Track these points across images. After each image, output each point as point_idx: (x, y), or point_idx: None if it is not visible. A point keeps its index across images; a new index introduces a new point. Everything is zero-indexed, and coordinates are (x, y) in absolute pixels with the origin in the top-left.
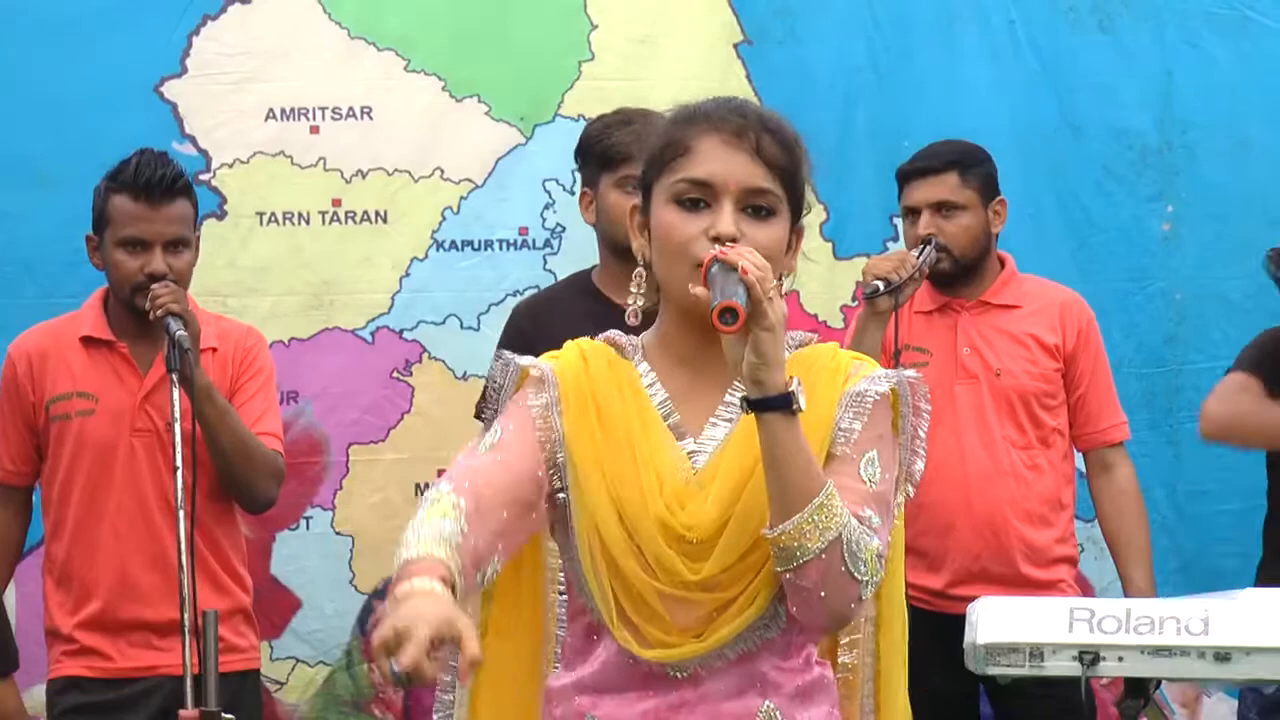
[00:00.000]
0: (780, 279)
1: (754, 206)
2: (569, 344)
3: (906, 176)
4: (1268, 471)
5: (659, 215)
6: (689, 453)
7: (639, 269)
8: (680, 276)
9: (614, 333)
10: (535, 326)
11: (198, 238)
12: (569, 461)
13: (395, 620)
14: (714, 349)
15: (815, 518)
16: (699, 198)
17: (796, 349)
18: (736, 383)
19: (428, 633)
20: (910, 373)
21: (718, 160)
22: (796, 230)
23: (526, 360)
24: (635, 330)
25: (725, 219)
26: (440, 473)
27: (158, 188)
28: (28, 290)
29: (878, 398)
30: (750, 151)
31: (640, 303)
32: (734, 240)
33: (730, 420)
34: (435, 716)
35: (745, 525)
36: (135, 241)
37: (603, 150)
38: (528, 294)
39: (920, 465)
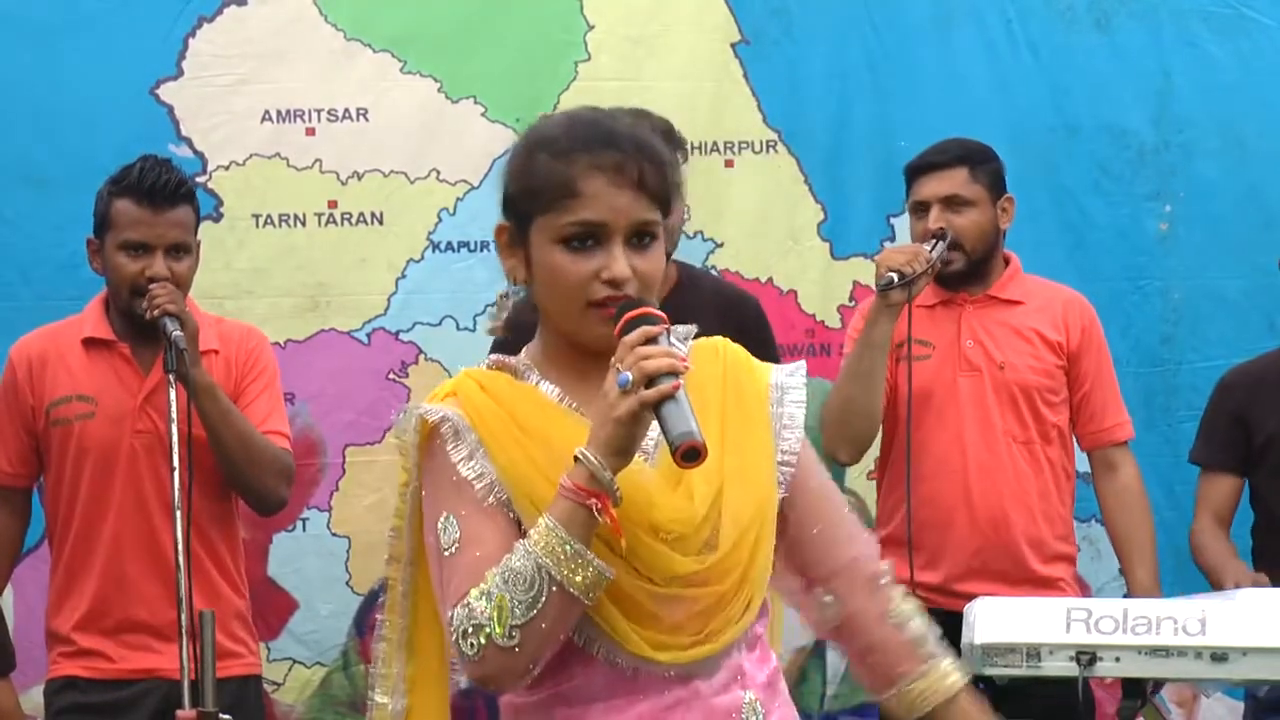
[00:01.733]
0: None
1: (639, 235)
2: (460, 376)
3: (915, 171)
4: (1248, 478)
5: (545, 255)
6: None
7: (503, 291)
8: (572, 314)
9: (498, 357)
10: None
11: (198, 244)
12: (513, 497)
13: None
14: (604, 360)
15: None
16: (589, 236)
17: (687, 341)
18: None
19: None
20: (799, 364)
21: (606, 201)
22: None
23: (432, 413)
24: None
25: (619, 262)
26: (393, 531)
27: (161, 193)
28: (23, 294)
29: (798, 388)
30: (634, 186)
31: (500, 322)
32: (626, 280)
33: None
34: None
35: (733, 514)
36: (137, 245)
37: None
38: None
39: None
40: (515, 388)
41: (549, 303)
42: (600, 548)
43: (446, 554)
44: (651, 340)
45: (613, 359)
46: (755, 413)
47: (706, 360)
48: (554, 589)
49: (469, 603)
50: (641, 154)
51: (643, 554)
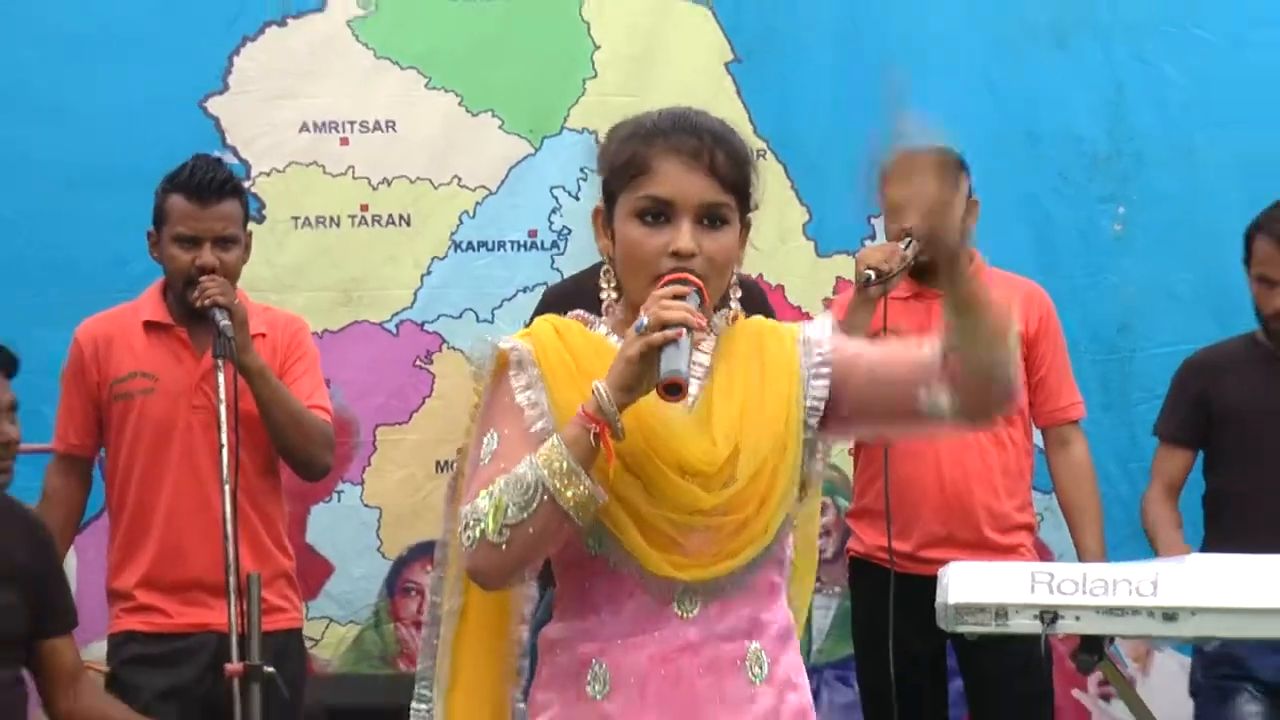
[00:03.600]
0: (733, 268)
1: (709, 217)
2: (540, 319)
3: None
4: (1204, 451)
5: (623, 227)
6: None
7: (605, 265)
8: (640, 286)
9: (580, 312)
10: (563, 308)
11: (249, 236)
12: (556, 429)
13: None
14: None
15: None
16: (660, 212)
17: (726, 322)
18: (697, 351)
19: None
20: (828, 315)
21: (677, 180)
22: (745, 226)
23: (505, 342)
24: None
25: (684, 236)
26: (459, 451)
27: (208, 188)
28: (81, 283)
29: (827, 336)
30: (705, 170)
31: (613, 295)
32: (692, 254)
33: (698, 379)
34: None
35: (752, 454)
36: (188, 238)
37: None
38: (540, 288)
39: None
40: (585, 336)
41: (624, 274)
42: (632, 487)
43: (481, 463)
44: (679, 298)
45: (641, 307)
46: (778, 368)
47: (744, 334)
48: (546, 498)
49: (475, 501)
50: (717, 143)
51: (670, 489)
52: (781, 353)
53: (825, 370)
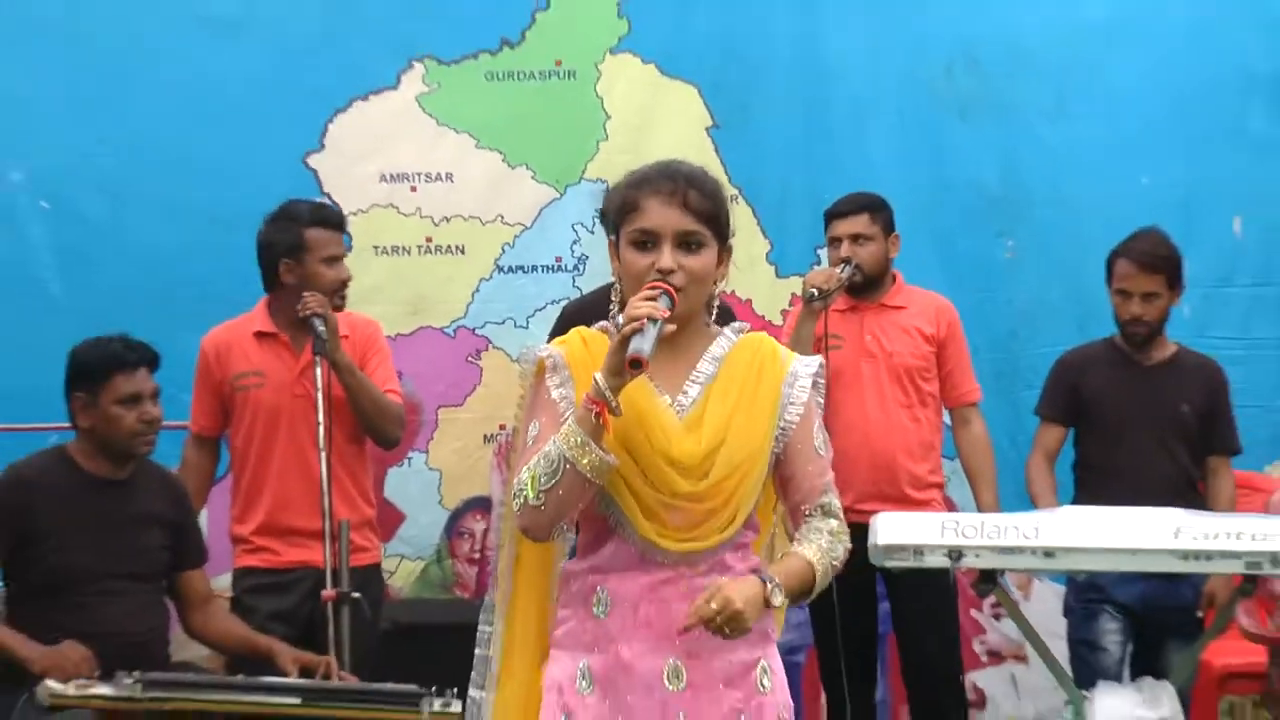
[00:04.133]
0: (715, 283)
1: (686, 242)
2: (573, 331)
3: (831, 216)
4: (1074, 428)
5: (624, 252)
6: (671, 403)
7: (616, 284)
8: (634, 296)
9: (604, 324)
10: (579, 320)
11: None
12: None
13: None
14: (671, 336)
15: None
16: (648, 240)
17: (739, 335)
18: (700, 362)
19: None
20: (818, 358)
21: (658, 214)
22: (725, 250)
23: (543, 350)
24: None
25: (665, 257)
26: (502, 427)
27: (341, 223)
28: (207, 297)
29: (812, 375)
30: (680, 205)
31: (616, 308)
32: (672, 270)
33: (701, 384)
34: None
35: (728, 458)
36: (336, 258)
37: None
38: (564, 301)
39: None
40: (605, 343)
41: (625, 288)
42: (631, 470)
43: (526, 445)
44: (650, 300)
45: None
46: (768, 390)
47: (748, 348)
48: (567, 466)
49: (520, 475)
50: (691, 184)
51: (657, 474)
52: (775, 376)
53: (793, 411)
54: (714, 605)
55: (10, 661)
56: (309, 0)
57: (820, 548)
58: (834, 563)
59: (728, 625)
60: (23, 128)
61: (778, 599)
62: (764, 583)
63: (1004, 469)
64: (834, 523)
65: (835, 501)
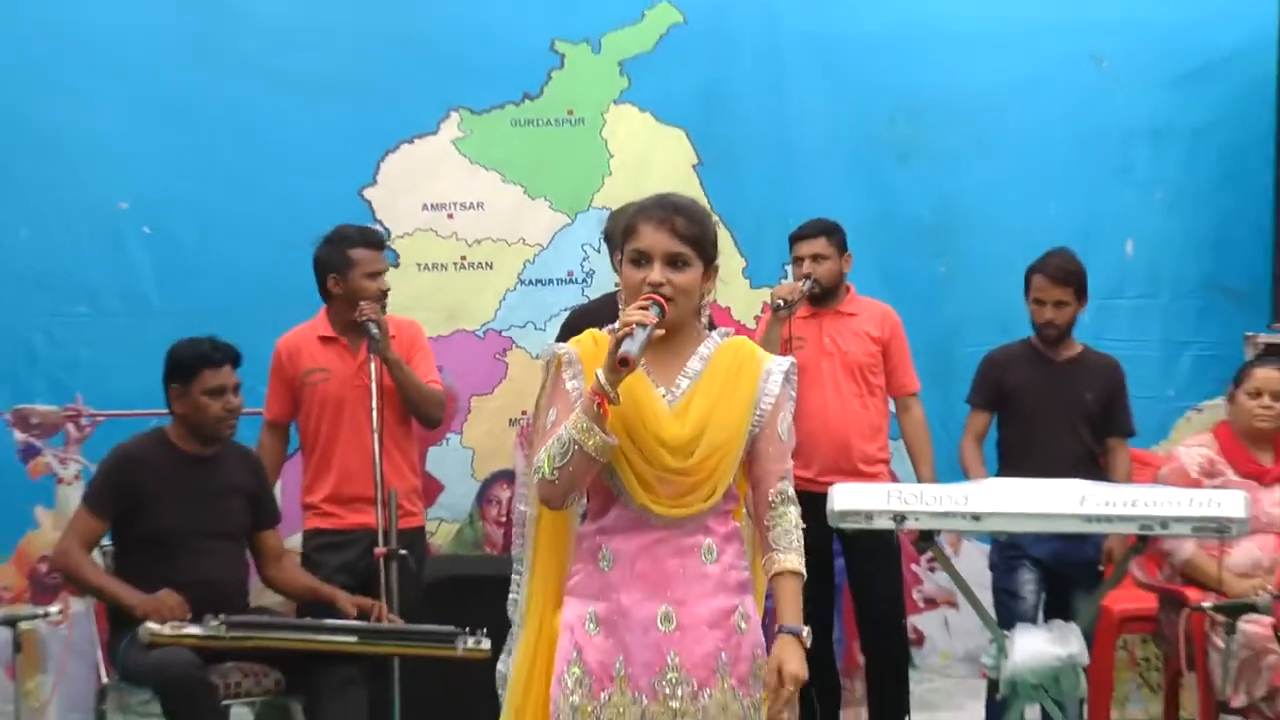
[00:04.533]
0: (702, 300)
1: (674, 261)
2: (586, 333)
3: (795, 239)
4: (998, 414)
5: (624, 270)
6: (664, 394)
7: (619, 294)
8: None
9: (613, 327)
10: (584, 324)
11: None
12: None
13: None
14: (667, 339)
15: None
16: (642, 259)
17: (724, 338)
18: (690, 360)
19: None
20: (791, 358)
21: (650, 237)
22: (711, 269)
23: (561, 349)
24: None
25: (655, 272)
26: (524, 412)
27: (381, 245)
28: (276, 310)
29: (784, 374)
30: (669, 230)
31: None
32: (659, 285)
33: (690, 378)
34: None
35: (710, 441)
36: (378, 273)
37: (621, 233)
38: (573, 307)
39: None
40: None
41: (625, 298)
42: (631, 449)
43: (545, 429)
44: (642, 309)
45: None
46: (746, 385)
47: (731, 349)
48: (576, 447)
49: (539, 454)
50: (677, 212)
51: (651, 452)
52: (753, 374)
53: (766, 403)
54: (789, 687)
55: (117, 607)
56: (364, 60)
57: (798, 552)
58: (803, 548)
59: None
60: (130, 168)
61: (808, 638)
62: (796, 636)
63: (939, 448)
64: (793, 511)
65: (791, 488)
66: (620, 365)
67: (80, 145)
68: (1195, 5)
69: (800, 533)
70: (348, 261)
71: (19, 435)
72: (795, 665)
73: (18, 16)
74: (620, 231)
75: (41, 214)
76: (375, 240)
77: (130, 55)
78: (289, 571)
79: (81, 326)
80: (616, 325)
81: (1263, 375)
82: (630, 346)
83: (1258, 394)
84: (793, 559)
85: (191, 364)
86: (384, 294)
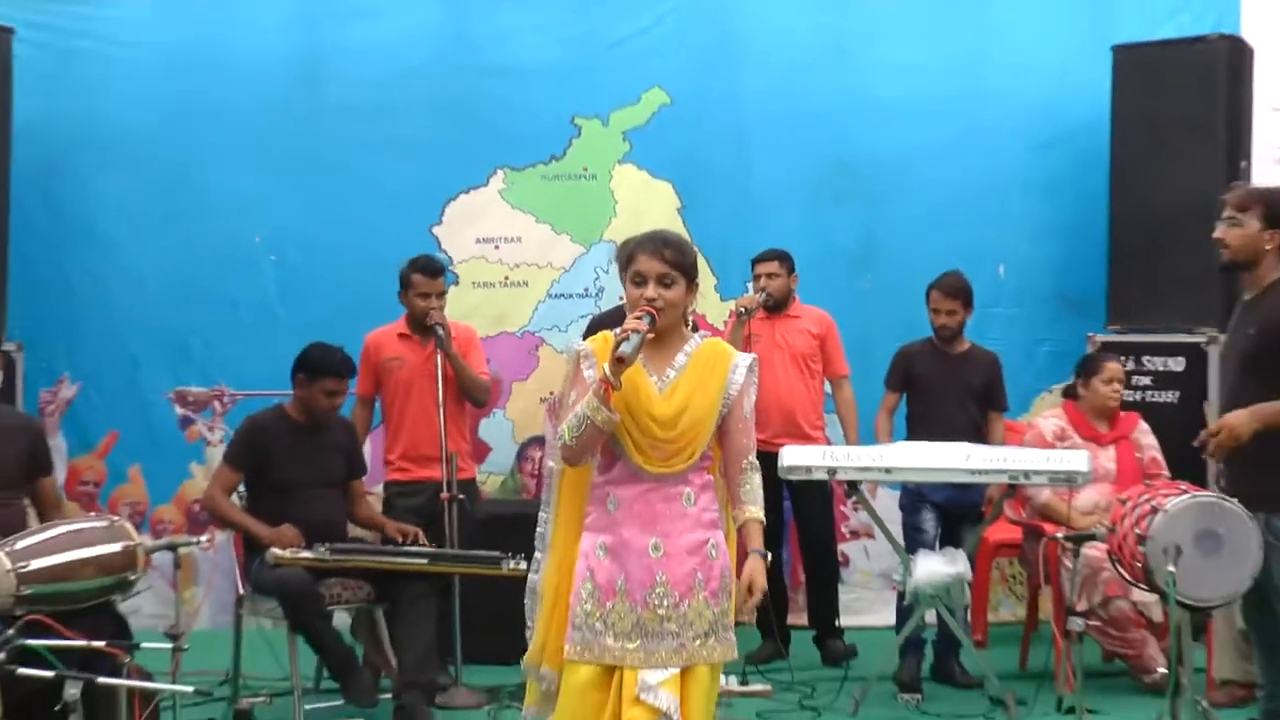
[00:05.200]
0: (686, 310)
1: (664, 281)
2: (600, 333)
3: (755, 261)
4: (906, 394)
5: (627, 288)
6: (656, 382)
7: (625, 306)
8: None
9: (621, 327)
10: (600, 327)
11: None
12: None
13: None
14: (659, 339)
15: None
16: (640, 280)
17: (703, 340)
18: (677, 356)
19: None
20: (754, 355)
21: (646, 263)
22: (693, 287)
23: (580, 346)
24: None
25: (650, 290)
26: (551, 393)
27: (433, 269)
28: (366, 316)
29: (748, 367)
30: (659, 257)
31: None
32: (653, 299)
33: (676, 370)
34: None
35: (690, 417)
36: (424, 294)
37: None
38: (589, 315)
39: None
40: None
41: (628, 309)
42: (630, 422)
43: (568, 406)
44: (639, 318)
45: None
46: (718, 376)
47: (709, 348)
48: (589, 421)
49: (562, 426)
50: (666, 245)
51: (645, 425)
52: (723, 367)
53: (733, 390)
54: (757, 596)
55: (251, 537)
56: (433, 130)
57: (760, 505)
58: (763, 503)
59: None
60: (261, 212)
61: (768, 560)
62: (762, 557)
63: (862, 418)
64: (757, 478)
65: (755, 459)
66: (618, 362)
67: (225, 194)
68: (1050, 89)
69: (761, 492)
70: (408, 283)
71: (179, 410)
72: (761, 580)
73: (178, 97)
74: (624, 259)
75: (196, 246)
76: (430, 268)
77: (260, 125)
78: (365, 509)
79: (224, 330)
80: (619, 330)
81: (1114, 367)
82: (625, 349)
83: (1110, 381)
84: (757, 510)
85: (321, 367)
86: (427, 312)
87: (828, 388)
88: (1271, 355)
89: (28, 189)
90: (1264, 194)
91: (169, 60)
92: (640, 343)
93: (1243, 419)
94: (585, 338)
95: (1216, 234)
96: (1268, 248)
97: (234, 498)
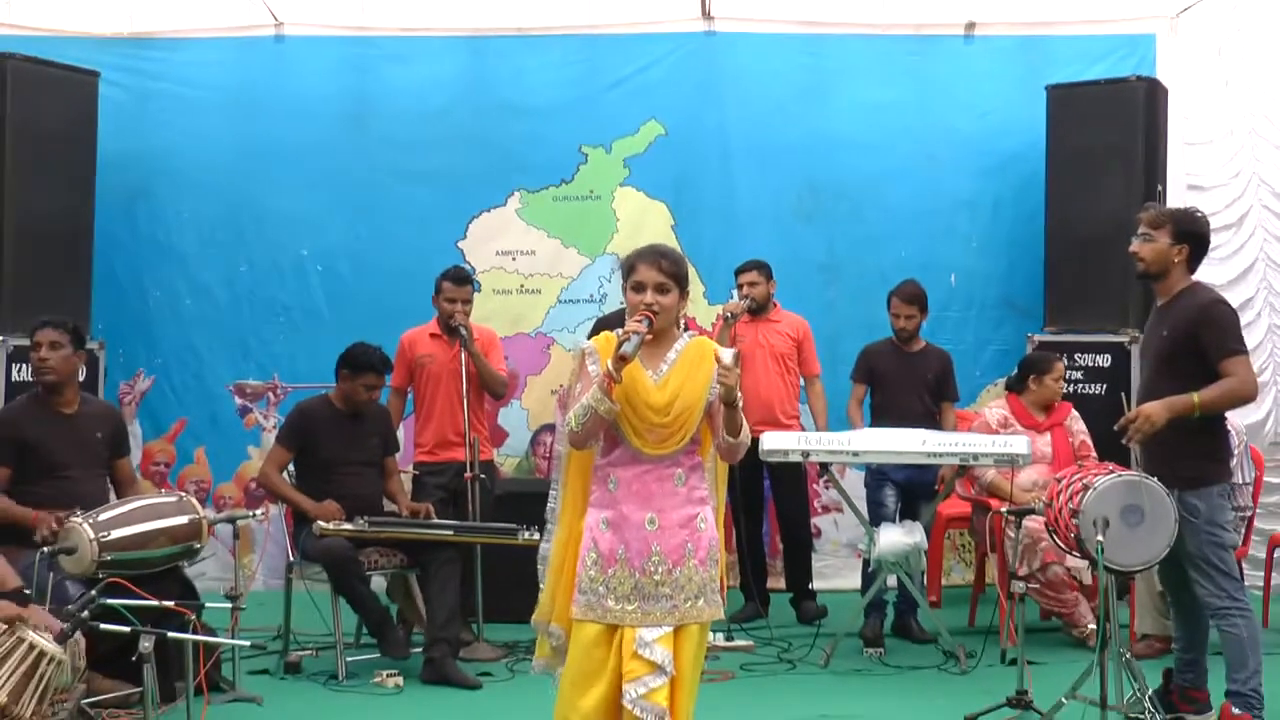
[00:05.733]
0: (680, 315)
1: (660, 288)
2: (603, 334)
3: (739, 271)
4: (870, 386)
5: (628, 294)
6: (651, 375)
7: (626, 310)
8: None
9: (619, 330)
10: (603, 327)
11: (471, 299)
12: None
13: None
14: (655, 338)
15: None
16: (639, 287)
17: (692, 338)
18: (669, 353)
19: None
20: (735, 350)
21: (644, 273)
22: (685, 294)
23: (585, 345)
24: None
25: (648, 296)
26: (561, 386)
27: (459, 279)
28: (401, 318)
29: (730, 359)
30: (656, 268)
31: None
32: (650, 304)
33: (668, 364)
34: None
35: (681, 405)
36: (450, 299)
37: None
38: (594, 318)
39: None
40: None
41: (628, 313)
42: (629, 410)
43: (575, 397)
44: (639, 321)
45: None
46: (705, 369)
47: (697, 345)
48: (592, 410)
49: (569, 415)
50: (662, 257)
51: (643, 411)
52: (709, 361)
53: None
54: (732, 374)
55: (299, 511)
56: (460, 158)
57: (746, 439)
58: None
59: (734, 378)
60: (309, 228)
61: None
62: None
63: (830, 409)
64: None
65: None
66: (621, 359)
67: (280, 215)
68: (994, 123)
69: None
70: (438, 288)
71: (238, 400)
72: (735, 371)
73: (241, 133)
74: (625, 269)
75: (255, 258)
76: (458, 277)
77: (311, 156)
78: (395, 484)
79: (278, 330)
80: (621, 331)
81: (1060, 367)
82: (627, 348)
83: (1058, 379)
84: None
85: (363, 364)
86: (453, 315)
87: (801, 384)
88: (1183, 353)
89: (111, 211)
90: (1173, 214)
91: (234, 100)
92: (640, 343)
93: (1157, 409)
94: (590, 337)
95: (1132, 248)
96: (1176, 260)
97: (284, 476)
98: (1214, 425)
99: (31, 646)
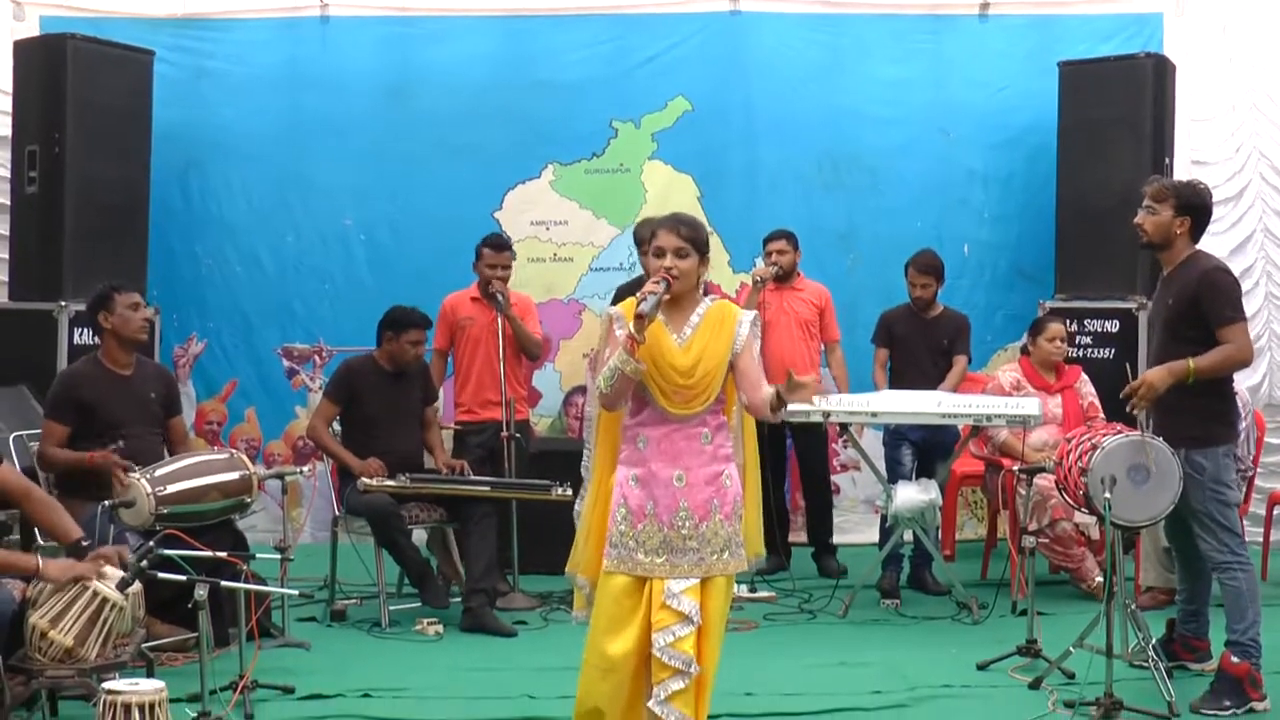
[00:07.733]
0: (699, 279)
1: (679, 253)
2: (628, 299)
3: (766, 240)
4: (889, 349)
5: (648, 259)
6: (676, 338)
7: (645, 275)
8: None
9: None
10: (625, 294)
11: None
12: None
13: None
14: (677, 303)
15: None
16: (659, 252)
17: (713, 302)
18: (692, 316)
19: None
20: (755, 312)
21: (664, 238)
22: (704, 260)
23: (613, 310)
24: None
25: (668, 260)
26: (592, 349)
27: (499, 245)
28: (444, 284)
29: (751, 322)
30: (675, 234)
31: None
32: (671, 268)
33: (692, 327)
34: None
35: (705, 366)
36: (491, 265)
37: (646, 237)
38: (621, 282)
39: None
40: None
41: (647, 278)
42: (655, 371)
43: (604, 360)
44: (657, 283)
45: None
46: (727, 330)
47: (718, 308)
48: (619, 370)
49: (598, 377)
50: (680, 223)
51: (668, 372)
52: (731, 323)
53: (739, 342)
54: (808, 393)
55: (344, 466)
56: (497, 132)
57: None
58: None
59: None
60: (352, 199)
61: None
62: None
63: (850, 372)
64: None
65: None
66: (639, 319)
67: (325, 186)
68: (1007, 98)
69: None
70: (478, 254)
71: (286, 363)
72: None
73: (289, 108)
74: (646, 235)
75: (301, 228)
76: (497, 243)
77: (355, 130)
78: (434, 435)
79: (324, 296)
80: (640, 293)
81: (1055, 327)
82: (644, 307)
83: (1052, 339)
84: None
85: (405, 322)
86: (489, 280)
87: (822, 348)
88: (1187, 320)
89: (166, 183)
90: (1176, 187)
91: (281, 78)
92: (657, 302)
93: (1160, 374)
94: (613, 304)
95: (1136, 220)
96: (1178, 232)
97: (331, 432)
98: (1223, 389)
99: (95, 594)
